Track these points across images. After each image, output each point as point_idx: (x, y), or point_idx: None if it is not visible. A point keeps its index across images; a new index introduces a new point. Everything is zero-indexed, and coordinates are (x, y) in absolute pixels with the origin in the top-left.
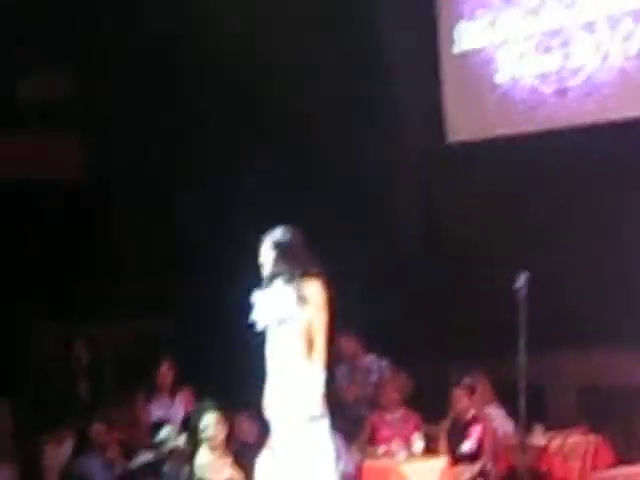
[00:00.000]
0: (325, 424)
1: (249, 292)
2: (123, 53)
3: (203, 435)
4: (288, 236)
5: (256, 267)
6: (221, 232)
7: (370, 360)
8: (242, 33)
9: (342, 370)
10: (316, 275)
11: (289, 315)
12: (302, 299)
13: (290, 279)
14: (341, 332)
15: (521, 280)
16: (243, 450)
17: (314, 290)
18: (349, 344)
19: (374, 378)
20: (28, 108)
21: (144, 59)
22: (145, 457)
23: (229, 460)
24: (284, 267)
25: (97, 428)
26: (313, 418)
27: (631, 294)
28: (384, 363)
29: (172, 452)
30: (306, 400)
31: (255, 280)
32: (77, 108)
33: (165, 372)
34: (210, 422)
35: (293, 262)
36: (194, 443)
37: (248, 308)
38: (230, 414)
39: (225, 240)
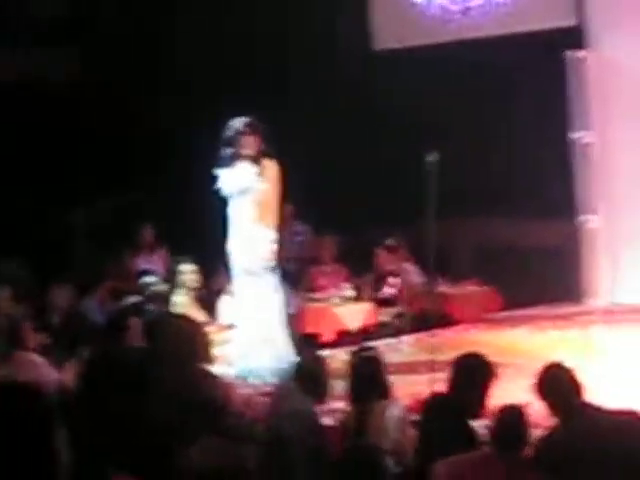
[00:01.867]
0: (277, 274)
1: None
2: None
3: (180, 279)
4: (247, 124)
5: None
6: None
7: (297, 225)
8: None
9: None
10: (270, 156)
11: (249, 186)
12: (260, 175)
13: (251, 158)
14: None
15: (432, 155)
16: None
17: (270, 168)
18: (286, 212)
19: (299, 239)
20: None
21: None
22: (132, 298)
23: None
24: (247, 149)
25: (94, 279)
26: (267, 269)
27: (519, 173)
28: (307, 227)
29: (154, 295)
30: (262, 255)
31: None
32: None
33: (146, 233)
34: (187, 269)
35: (254, 145)
36: (172, 287)
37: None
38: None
39: (194, 127)
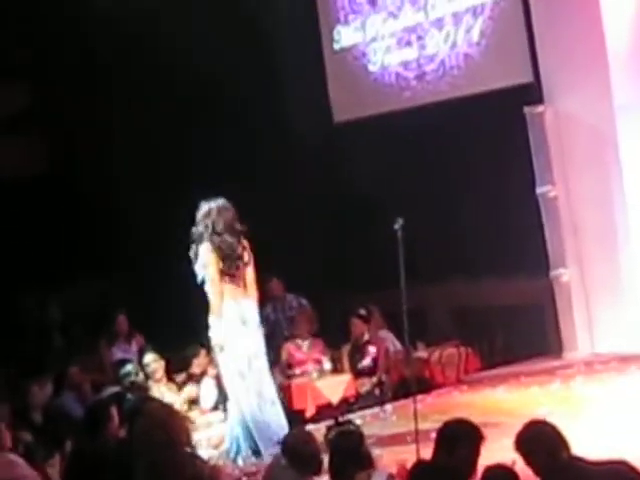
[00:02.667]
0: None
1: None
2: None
3: (147, 370)
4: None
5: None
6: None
7: (291, 298)
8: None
9: (269, 307)
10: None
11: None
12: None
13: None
14: (269, 277)
15: (398, 223)
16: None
17: (203, 254)
18: (277, 286)
19: (292, 313)
20: None
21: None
22: (111, 390)
23: (175, 387)
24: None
25: (72, 371)
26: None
27: (490, 232)
28: (303, 300)
29: (132, 385)
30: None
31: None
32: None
33: (121, 322)
34: (149, 360)
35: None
36: (146, 377)
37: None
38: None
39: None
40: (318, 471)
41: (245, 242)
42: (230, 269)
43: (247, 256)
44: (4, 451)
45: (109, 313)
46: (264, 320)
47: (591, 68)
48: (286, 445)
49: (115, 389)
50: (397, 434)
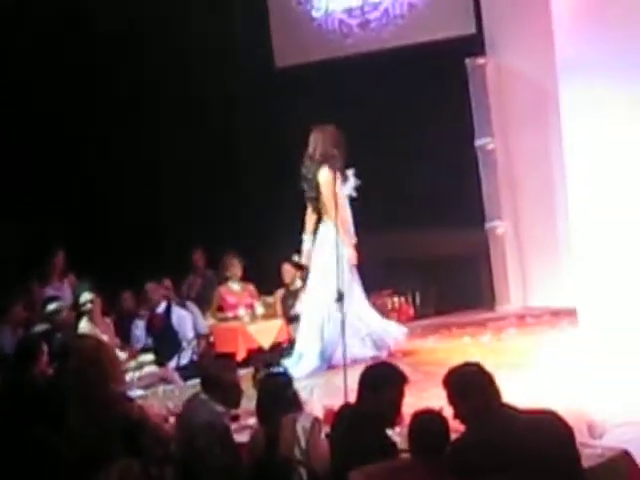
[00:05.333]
0: None
1: None
2: None
3: (83, 309)
4: None
5: None
6: None
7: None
8: None
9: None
10: None
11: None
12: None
13: None
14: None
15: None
16: None
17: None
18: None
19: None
20: None
21: None
22: (40, 327)
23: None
24: None
25: (13, 308)
26: None
27: (427, 182)
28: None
29: (61, 322)
30: None
31: None
32: None
33: (57, 260)
34: (87, 298)
35: None
36: (77, 315)
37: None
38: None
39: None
40: (237, 403)
41: None
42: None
43: None
44: None
45: (46, 251)
46: None
47: (535, 22)
48: (205, 375)
49: (44, 326)
50: (328, 380)
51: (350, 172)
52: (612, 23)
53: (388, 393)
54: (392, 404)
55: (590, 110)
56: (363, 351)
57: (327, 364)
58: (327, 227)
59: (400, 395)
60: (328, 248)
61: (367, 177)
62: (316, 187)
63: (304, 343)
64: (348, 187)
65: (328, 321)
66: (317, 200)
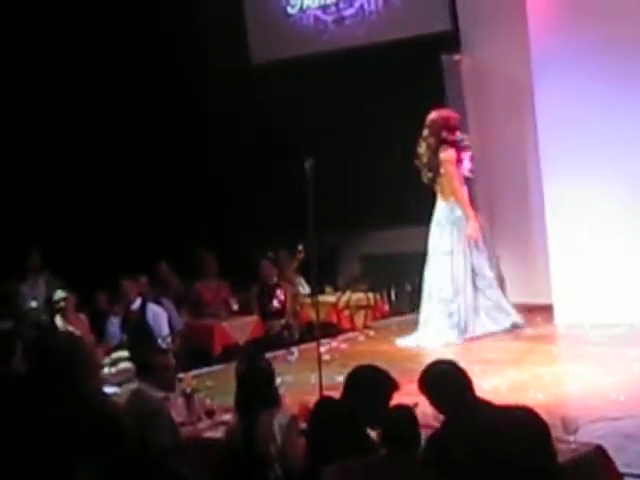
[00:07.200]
0: None
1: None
2: None
3: (57, 306)
4: None
5: None
6: None
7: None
8: None
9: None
10: None
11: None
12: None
13: None
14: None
15: (308, 162)
16: None
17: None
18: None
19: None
20: None
21: None
22: (6, 323)
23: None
24: None
25: None
26: None
27: (402, 179)
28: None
29: (33, 320)
30: None
31: None
32: None
33: (33, 258)
34: (60, 296)
35: None
36: (51, 313)
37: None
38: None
39: None
40: (171, 386)
41: None
42: None
43: None
44: None
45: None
46: None
47: (510, 18)
48: (138, 361)
49: (10, 323)
50: (301, 377)
51: (467, 155)
52: (585, 19)
53: (376, 397)
54: (378, 408)
55: (564, 104)
56: (493, 324)
57: (462, 337)
58: (443, 207)
59: (388, 400)
60: (449, 226)
61: (341, 173)
62: (436, 167)
63: (436, 319)
64: (464, 168)
65: (457, 295)
66: (434, 181)
